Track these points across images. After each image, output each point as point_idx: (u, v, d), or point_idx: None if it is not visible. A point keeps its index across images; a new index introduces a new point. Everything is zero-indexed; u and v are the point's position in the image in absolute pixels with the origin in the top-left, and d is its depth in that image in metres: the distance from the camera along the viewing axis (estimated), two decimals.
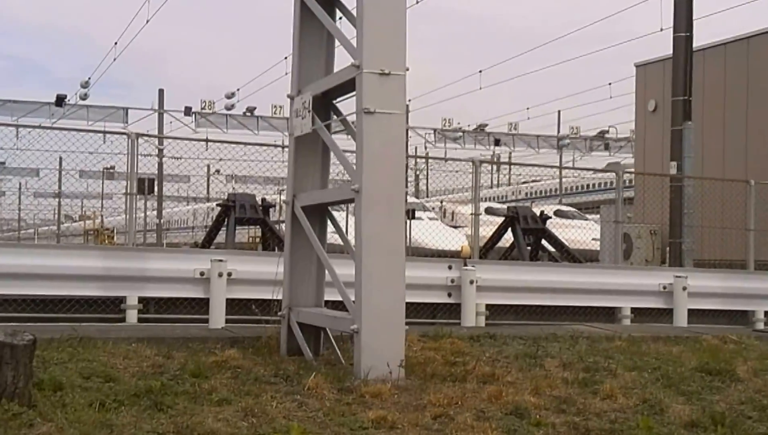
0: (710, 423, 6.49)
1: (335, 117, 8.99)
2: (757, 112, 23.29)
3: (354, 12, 8.28)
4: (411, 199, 29.92)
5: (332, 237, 9.44)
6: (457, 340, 9.38)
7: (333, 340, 8.51)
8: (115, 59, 41.99)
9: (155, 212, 31.73)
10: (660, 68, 24.46)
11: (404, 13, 8.06)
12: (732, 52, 24.26)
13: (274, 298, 9.19)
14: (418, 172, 53.57)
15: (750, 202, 17.79)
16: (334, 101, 9.00)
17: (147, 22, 36.39)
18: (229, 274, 11.64)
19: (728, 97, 24.20)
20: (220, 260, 11.66)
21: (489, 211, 26.44)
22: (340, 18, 8.93)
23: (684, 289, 14.45)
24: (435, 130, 48.92)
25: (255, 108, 44.93)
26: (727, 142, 24.10)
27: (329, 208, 9.10)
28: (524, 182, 53.59)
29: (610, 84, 47.94)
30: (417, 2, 29.84)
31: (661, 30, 23.10)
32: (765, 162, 22.39)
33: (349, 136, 8.61)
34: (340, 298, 8.19)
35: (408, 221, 24.49)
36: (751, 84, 23.54)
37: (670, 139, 19.38)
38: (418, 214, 26.09)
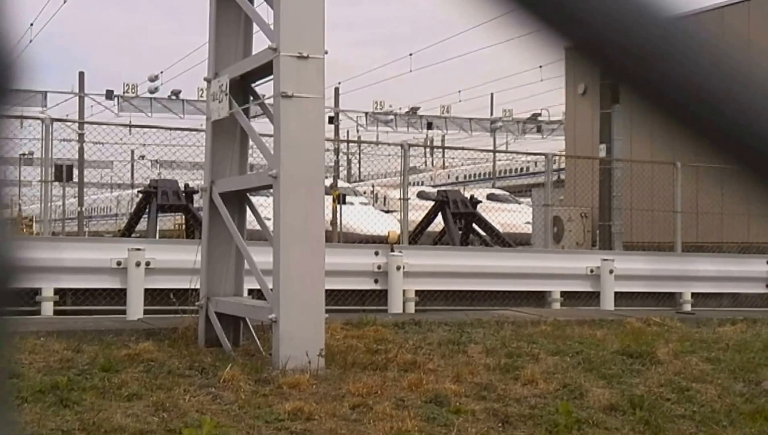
0: (629, 406, 6.49)
1: (253, 100, 8.79)
2: None
3: None
4: (342, 184, 29.74)
5: (255, 224, 9.25)
6: (381, 327, 9.26)
7: (252, 330, 8.32)
8: (31, 41, 40.84)
9: (77, 199, 31.08)
10: None
11: None
12: None
13: (192, 287, 8.96)
14: (350, 156, 53.37)
15: (677, 184, 17.96)
16: (253, 85, 8.80)
17: (65, 2, 35.66)
18: (148, 264, 11.34)
19: None
20: (138, 249, 11.35)
21: (421, 195, 26.35)
22: (261, 4, 8.71)
23: (611, 272, 14.50)
24: (366, 114, 48.66)
25: (180, 91, 43.91)
26: (655, 124, 24.34)
27: (248, 194, 8.90)
28: (459, 166, 53.79)
29: (540, 67, 47.95)
30: None
31: None
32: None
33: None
34: None
35: (339, 206, 24.36)
36: None
37: (600, 122, 19.48)
38: (349, 199, 25.89)
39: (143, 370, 7.06)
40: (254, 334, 8.23)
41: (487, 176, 47.79)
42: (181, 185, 16.35)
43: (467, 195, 19.71)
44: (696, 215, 19.21)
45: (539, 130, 52.57)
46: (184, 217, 17.22)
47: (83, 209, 31.57)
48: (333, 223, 23.82)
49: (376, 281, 13.16)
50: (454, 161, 53.67)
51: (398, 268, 13.03)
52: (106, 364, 7.02)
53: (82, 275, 11.39)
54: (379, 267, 13.09)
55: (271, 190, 7.79)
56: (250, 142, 8.89)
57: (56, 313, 11.43)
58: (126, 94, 42.67)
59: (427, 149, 55.11)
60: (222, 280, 8.73)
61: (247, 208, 8.91)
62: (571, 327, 10.00)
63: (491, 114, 52.78)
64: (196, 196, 15.53)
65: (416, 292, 13.65)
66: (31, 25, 40.66)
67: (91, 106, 42.35)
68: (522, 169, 47.36)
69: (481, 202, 20.54)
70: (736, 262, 16.51)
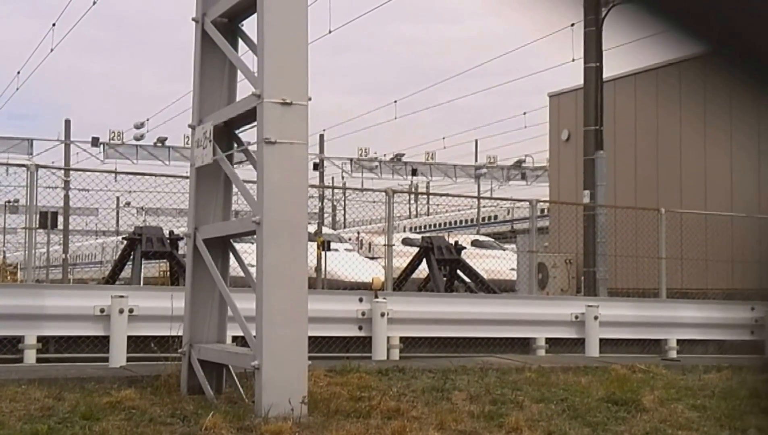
0: None
1: (237, 147, 8.81)
2: (666, 141, 23.74)
3: (256, 41, 8.12)
4: (327, 231, 29.71)
5: (239, 270, 9.21)
6: (365, 374, 9.20)
7: (235, 377, 8.26)
8: (18, 88, 41.10)
9: (62, 247, 30.98)
10: (572, 98, 24.77)
11: (306, 43, 7.95)
12: (642, 82, 24.71)
13: (173, 334, 8.90)
14: (335, 203, 53.40)
15: (661, 230, 18.00)
16: (237, 131, 8.82)
17: (51, 50, 35.92)
18: (131, 311, 11.27)
19: (639, 126, 24.61)
20: (121, 296, 11.28)
21: (406, 241, 26.39)
22: (246, 52, 8.77)
23: (595, 318, 14.49)
24: (351, 160, 48.81)
25: (166, 138, 43.97)
26: (639, 170, 24.47)
27: (231, 240, 8.88)
28: (443, 212, 53.92)
29: (525, 114, 48.34)
30: (330, 32, 29.82)
31: (573, 60, 23.40)
32: (675, 190, 22.79)
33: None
34: None
35: (324, 253, 24.30)
36: (660, 113, 23.99)
37: (583, 168, 19.57)
38: (334, 245, 25.81)
39: (124, 417, 6.98)
40: (237, 382, 8.17)
41: (472, 222, 47.86)
42: (166, 232, 16.30)
43: (452, 241, 19.71)
44: (680, 261, 19.25)
45: (524, 177, 52.80)
46: (168, 263, 17.15)
47: (68, 256, 31.43)
48: (318, 269, 23.77)
49: (360, 328, 13.10)
50: (438, 208, 53.78)
51: (382, 314, 12.97)
52: (87, 411, 6.95)
53: (65, 323, 11.29)
54: (363, 313, 13.04)
55: (255, 237, 7.77)
56: (234, 189, 8.88)
57: (39, 360, 11.31)
58: (112, 142, 42.71)
59: (412, 196, 55.25)
60: (205, 327, 8.68)
61: (231, 255, 8.89)
62: (555, 374, 9.96)
63: (476, 160, 53.01)
64: (181, 243, 15.48)
65: (400, 338, 13.57)
66: (18, 73, 40.96)
67: (77, 154, 42.45)
68: (507, 215, 47.46)
69: (465, 248, 20.54)
70: (721, 309, 16.51)
